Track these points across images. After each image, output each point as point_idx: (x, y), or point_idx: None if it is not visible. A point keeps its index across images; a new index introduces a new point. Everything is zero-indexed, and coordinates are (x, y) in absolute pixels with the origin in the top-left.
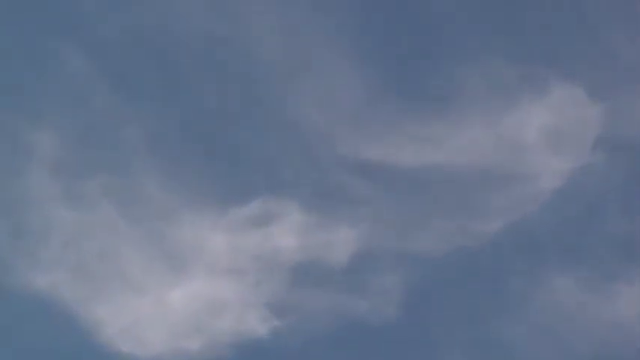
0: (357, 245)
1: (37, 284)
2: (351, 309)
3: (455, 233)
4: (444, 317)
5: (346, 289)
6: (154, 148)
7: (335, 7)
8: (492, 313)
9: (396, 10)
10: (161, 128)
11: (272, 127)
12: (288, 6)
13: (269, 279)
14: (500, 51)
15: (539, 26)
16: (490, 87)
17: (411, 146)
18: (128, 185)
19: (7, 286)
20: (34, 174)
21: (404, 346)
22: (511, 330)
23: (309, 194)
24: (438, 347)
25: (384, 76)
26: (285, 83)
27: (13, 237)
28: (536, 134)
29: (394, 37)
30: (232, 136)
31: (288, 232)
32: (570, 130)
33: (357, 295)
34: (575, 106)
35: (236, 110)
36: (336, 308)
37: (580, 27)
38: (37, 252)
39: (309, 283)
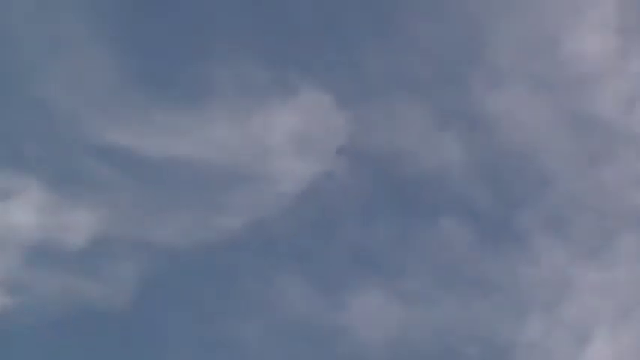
0: (95, 230)
1: None
2: (84, 293)
3: (195, 227)
4: (176, 310)
5: (81, 272)
6: None
7: None
8: (225, 310)
9: (159, 1)
10: None
11: (19, 103)
12: None
13: (3, 256)
14: (252, 52)
15: (291, 31)
16: (240, 87)
17: (159, 136)
18: None
19: None
20: None
21: (133, 336)
22: (242, 329)
23: (51, 174)
24: (168, 340)
25: (137, 64)
26: (36, 62)
27: None
28: (283, 137)
29: (153, 26)
30: None
31: (27, 210)
32: (316, 135)
33: (91, 280)
34: (323, 112)
35: None
36: (68, 291)
37: (333, 34)
38: None
39: (43, 264)
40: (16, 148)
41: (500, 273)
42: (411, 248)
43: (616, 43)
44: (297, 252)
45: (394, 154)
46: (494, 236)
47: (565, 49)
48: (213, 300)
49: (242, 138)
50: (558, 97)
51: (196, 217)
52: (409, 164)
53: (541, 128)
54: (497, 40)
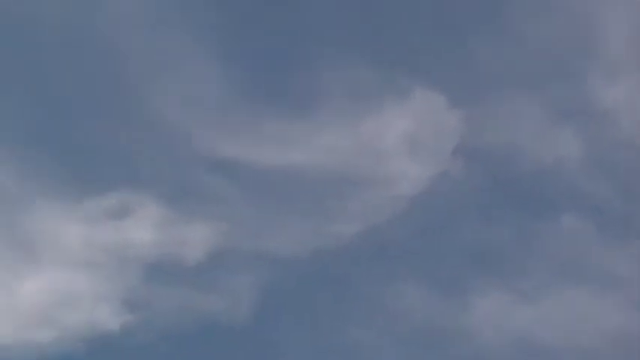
0: (212, 243)
1: None
2: (204, 307)
3: (310, 235)
4: (295, 319)
5: (199, 286)
6: (9, 137)
7: (200, 6)
8: (344, 317)
9: (262, 12)
10: (18, 117)
11: (131, 121)
12: (155, 2)
13: (123, 273)
14: (362, 56)
15: (401, 33)
16: (351, 91)
17: (270, 146)
18: None
19: None
20: None
21: (253, 347)
22: (361, 336)
23: (166, 190)
24: (287, 350)
25: (245, 76)
26: (145, 80)
27: None
28: (396, 140)
29: (259, 38)
30: (91, 128)
31: (144, 227)
32: (430, 136)
33: (210, 294)
34: (436, 113)
35: (96, 103)
36: (188, 305)
37: (443, 34)
38: None
39: (162, 279)
40: (132, 165)
41: (625, 267)
42: (531, 246)
43: None
44: (414, 255)
45: (510, 152)
46: (616, 230)
47: None
48: (331, 308)
49: (354, 143)
50: None
51: (311, 225)
52: (525, 161)
53: None
54: (610, 33)
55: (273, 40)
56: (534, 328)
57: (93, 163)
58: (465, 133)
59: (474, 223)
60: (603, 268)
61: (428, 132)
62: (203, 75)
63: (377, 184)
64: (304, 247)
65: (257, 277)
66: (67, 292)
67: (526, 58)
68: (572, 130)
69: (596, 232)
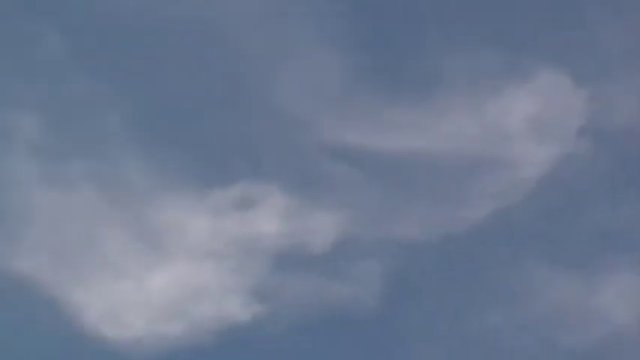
0: (338, 231)
1: (17, 268)
2: (332, 295)
3: (437, 220)
4: (424, 306)
5: (327, 275)
6: (135, 132)
7: None
8: (473, 302)
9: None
10: (143, 112)
11: (255, 112)
12: None
13: (250, 263)
14: (484, 38)
15: (523, 13)
16: (474, 74)
17: (394, 133)
18: (109, 168)
19: None
20: (14, 157)
21: (383, 334)
22: (492, 320)
23: (290, 179)
24: (418, 336)
25: (367, 63)
26: (267, 70)
27: None
28: (521, 122)
29: (377, 24)
30: (215, 120)
31: (270, 217)
32: (555, 117)
33: (339, 282)
34: (560, 94)
35: (218, 95)
36: (317, 294)
37: (564, 13)
38: (18, 236)
39: (290, 269)
40: (256, 156)
41: None
42: None
43: None
44: (543, 237)
45: (638, 131)
46: None
47: None
48: (460, 292)
49: (478, 126)
50: None
51: (437, 211)
52: None
53: None
54: None
55: (392, 26)
56: None
57: (217, 155)
58: (590, 113)
59: (602, 204)
60: None
61: (553, 113)
62: (323, 64)
63: (502, 167)
64: (430, 233)
65: (384, 264)
66: (196, 284)
67: None
68: None
69: None
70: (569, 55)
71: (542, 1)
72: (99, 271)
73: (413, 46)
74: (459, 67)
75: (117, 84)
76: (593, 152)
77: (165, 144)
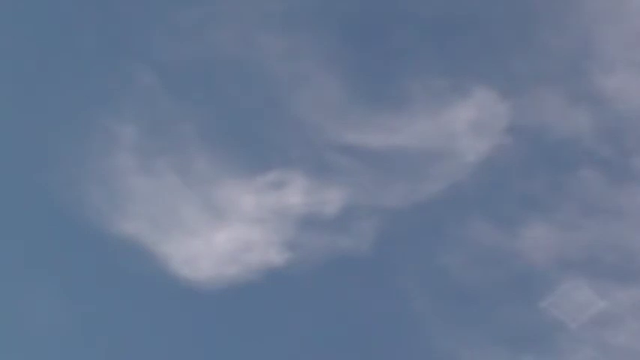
0: (343, 202)
1: (124, 231)
2: (341, 246)
3: (410, 193)
4: (404, 252)
5: (337, 232)
6: (204, 136)
7: (328, 35)
8: (435, 248)
9: (369, 38)
10: (209, 122)
11: (283, 120)
12: (291, 34)
13: (283, 225)
14: (436, 67)
15: (464, 49)
16: (432, 92)
17: (379, 133)
18: (185, 161)
19: (104, 233)
20: (119, 154)
21: (377, 273)
22: (447, 260)
23: (309, 167)
24: (401, 274)
25: (361, 84)
26: (289, 91)
27: (107, 199)
28: (464, 124)
29: (367, 56)
30: (256, 127)
31: (295, 193)
32: (487, 120)
33: (345, 236)
34: (491, 104)
35: (258, 110)
36: (330, 246)
37: (488, 47)
38: (124, 209)
39: (311, 229)
40: (285, 152)
41: None
42: None
43: None
44: (482, 202)
45: (546, 128)
46: None
47: None
48: (427, 243)
49: (436, 128)
50: None
51: (410, 186)
52: None
53: None
54: None
55: (378, 58)
56: None
57: (259, 151)
58: (512, 117)
59: (521, 177)
60: None
61: (485, 117)
62: (330, 84)
63: (452, 156)
64: (406, 202)
65: (375, 224)
66: (246, 240)
67: None
68: None
69: None
70: (496, 76)
71: (476, 41)
72: (180, 232)
73: (392, 72)
74: (422, 87)
75: (192, 103)
76: (515, 144)
77: (224, 144)
